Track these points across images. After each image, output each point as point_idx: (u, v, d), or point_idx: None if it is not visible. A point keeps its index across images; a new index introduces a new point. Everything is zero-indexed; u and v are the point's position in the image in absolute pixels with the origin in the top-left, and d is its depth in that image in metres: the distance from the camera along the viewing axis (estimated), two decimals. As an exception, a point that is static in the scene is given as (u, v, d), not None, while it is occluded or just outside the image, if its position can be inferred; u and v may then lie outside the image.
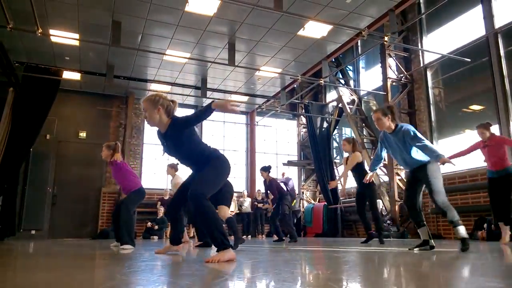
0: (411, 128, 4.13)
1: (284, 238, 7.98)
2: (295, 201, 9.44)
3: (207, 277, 2.14)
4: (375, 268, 2.72)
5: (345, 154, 7.10)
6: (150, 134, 12.87)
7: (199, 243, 5.89)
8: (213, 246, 3.71)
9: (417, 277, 2.13)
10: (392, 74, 10.33)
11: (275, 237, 8.05)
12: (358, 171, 6.62)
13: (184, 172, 6.14)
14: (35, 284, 1.89)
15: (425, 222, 4.30)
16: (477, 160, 8.52)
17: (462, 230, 3.89)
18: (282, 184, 8.45)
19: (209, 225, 2.93)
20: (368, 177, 5.04)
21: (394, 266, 2.82)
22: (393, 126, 4.19)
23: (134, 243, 5.14)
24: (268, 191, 8.19)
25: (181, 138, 3.15)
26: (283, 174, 9.89)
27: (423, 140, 3.98)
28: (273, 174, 14.17)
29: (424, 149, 3.96)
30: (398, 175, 9.75)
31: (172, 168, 7.65)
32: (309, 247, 5.59)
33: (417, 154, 4.08)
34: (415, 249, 4.19)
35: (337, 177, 12.25)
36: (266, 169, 8.08)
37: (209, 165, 3.18)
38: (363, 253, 3.99)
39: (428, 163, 4.09)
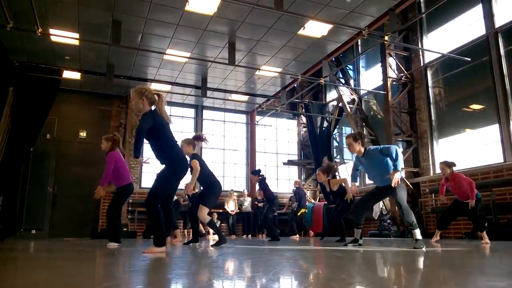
0: (376, 147, 4.67)
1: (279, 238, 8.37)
2: (303, 210, 9.64)
3: (207, 276, 2.14)
4: (375, 267, 2.72)
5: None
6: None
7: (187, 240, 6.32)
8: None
9: (417, 276, 2.13)
10: (392, 73, 10.33)
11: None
12: (340, 189, 7.38)
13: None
14: (35, 284, 1.89)
15: (361, 226, 5.06)
16: (478, 160, 8.55)
17: (418, 233, 4.46)
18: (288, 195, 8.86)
19: (155, 225, 3.77)
20: (353, 189, 5.35)
21: (394, 265, 2.82)
22: (362, 150, 4.72)
23: (120, 240, 5.52)
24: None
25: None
26: (297, 183, 10.00)
27: (392, 151, 4.52)
28: (273, 173, 14.26)
29: (391, 157, 4.47)
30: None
31: (189, 145, 7.49)
32: (309, 246, 5.59)
33: (386, 173, 4.58)
34: (348, 244, 5.06)
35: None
36: (256, 173, 8.80)
37: (165, 168, 3.86)
38: (364, 253, 3.99)
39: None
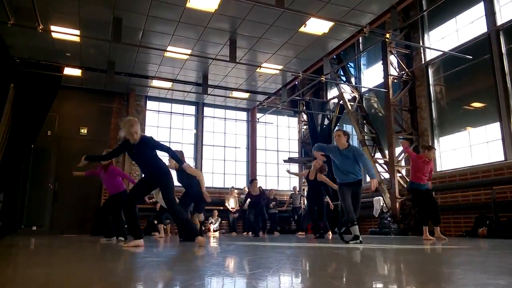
0: (360, 148, 5.64)
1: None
2: None
3: (207, 273, 2.15)
4: (375, 264, 2.73)
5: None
6: (151, 131, 12.87)
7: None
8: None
9: (418, 274, 2.13)
10: (393, 71, 10.30)
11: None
12: (319, 187, 8.08)
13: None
14: (35, 280, 1.90)
15: (356, 222, 5.43)
16: (479, 158, 8.55)
17: (356, 230, 5.33)
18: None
19: (132, 223, 4.58)
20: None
21: (394, 263, 2.82)
22: (346, 145, 5.60)
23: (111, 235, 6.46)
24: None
25: (146, 151, 4.52)
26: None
27: (367, 158, 5.59)
28: (273, 171, 14.27)
29: (366, 164, 5.42)
30: (399, 172, 9.74)
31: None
32: (309, 243, 5.60)
33: (357, 171, 5.52)
34: (350, 241, 5.25)
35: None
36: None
37: (164, 180, 4.60)
38: (363, 250, 3.99)
39: (361, 181, 5.59)
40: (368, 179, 5.52)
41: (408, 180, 9.78)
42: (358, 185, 5.54)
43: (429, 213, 6.89)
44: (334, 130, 5.75)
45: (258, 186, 9.64)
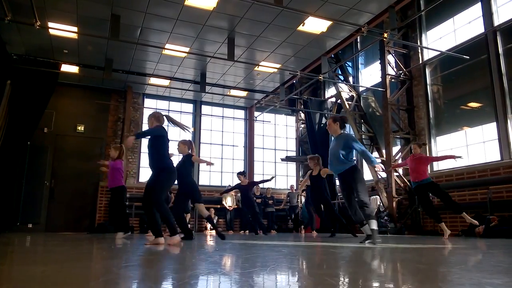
0: (349, 136, 5.09)
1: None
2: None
3: (204, 272, 2.15)
4: (372, 264, 2.73)
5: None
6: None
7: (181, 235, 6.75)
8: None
9: (414, 273, 2.14)
10: (391, 70, 10.31)
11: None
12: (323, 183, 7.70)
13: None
14: (31, 278, 1.89)
15: (365, 222, 5.01)
16: (475, 158, 8.57)
17: (374, 225, 4.73)
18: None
19: (166, 220, 4.60)
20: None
21: (390, 262, 2.83)
22: (338, 132, 5.10)
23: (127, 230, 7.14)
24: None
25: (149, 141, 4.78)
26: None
27: (361, 145, 5.00)
28: (271, 169, 14.27)
29: (361, 151, 4.89)
30: (396, 171, 9.76)
31: (185, 145, 6.35)
32: (306, 242, 5.61)
33: (341, 160, 4.93)
34: (366, 241, 4.86)
35: None
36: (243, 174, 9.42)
37: (160, 175, 4.64)
38: (360, 249, 4.00)
39: (352, 169, 4.92)
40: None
41: (406, 179, 9.82)
42: (348, 174, 4.92)
43: (427, 210, 6.90)
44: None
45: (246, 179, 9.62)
